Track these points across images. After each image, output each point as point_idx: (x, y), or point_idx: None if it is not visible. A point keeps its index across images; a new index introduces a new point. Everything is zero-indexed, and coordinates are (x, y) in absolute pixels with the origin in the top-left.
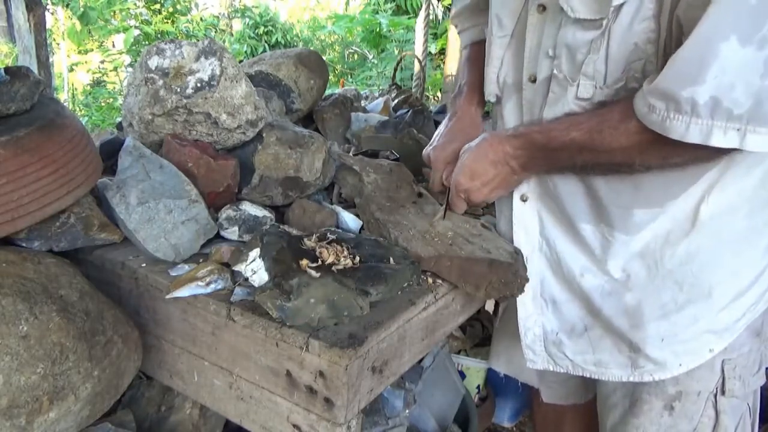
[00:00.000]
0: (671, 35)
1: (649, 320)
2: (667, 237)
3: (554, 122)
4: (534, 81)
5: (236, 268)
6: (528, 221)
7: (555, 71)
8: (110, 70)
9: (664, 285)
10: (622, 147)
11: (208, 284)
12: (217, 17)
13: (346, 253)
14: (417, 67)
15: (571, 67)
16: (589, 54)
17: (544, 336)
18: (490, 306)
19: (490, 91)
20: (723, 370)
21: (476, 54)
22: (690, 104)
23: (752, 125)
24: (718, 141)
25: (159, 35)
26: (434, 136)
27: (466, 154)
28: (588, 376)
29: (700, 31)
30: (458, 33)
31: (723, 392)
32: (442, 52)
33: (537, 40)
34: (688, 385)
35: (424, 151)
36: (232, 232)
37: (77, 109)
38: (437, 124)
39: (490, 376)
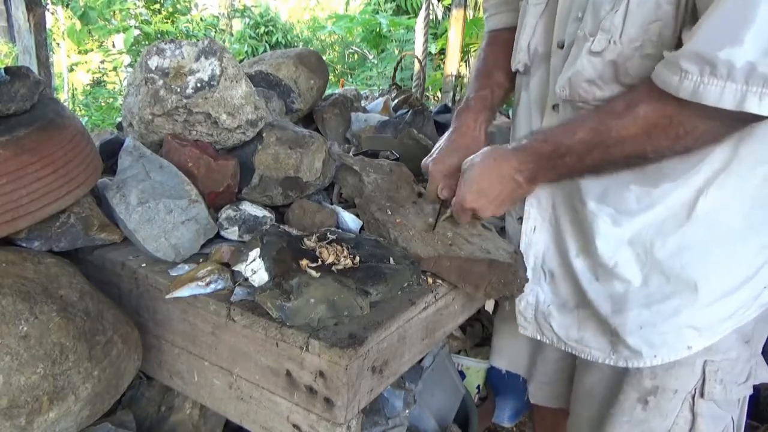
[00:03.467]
0: None
1: (632, 307)
2: (660, 227)
3: (557, 129)
4: (561, 47)
5: (236, 268)
6: (542, 193)
7: (579, 32)
8: (110, 70)
9: (651, 274)
10: (630, 135)
11: (208, 284)
12: (217, 17)
13: (346, 253)
14: (417, 67)
15: (593, 25)
16: (611, 10)
17: (536, 305)
18: (490, 306)
19: (519, 59)
20: (704, 371)
21: (494, 63)
22: (727, 67)
23: None
24: (752, 107)
25: (159, 35)
26: (435, 146)
27: (470, 170)
28: (569, 351)
29: None
30: (487, 17)
31: (702, 394)
32: (442, 52)
33: (568, 4)
34: (666, 381)
35: (423, 161)
36: (232, 232)
37: (77, 109)
38: (437, 124)
39: (490, 376)
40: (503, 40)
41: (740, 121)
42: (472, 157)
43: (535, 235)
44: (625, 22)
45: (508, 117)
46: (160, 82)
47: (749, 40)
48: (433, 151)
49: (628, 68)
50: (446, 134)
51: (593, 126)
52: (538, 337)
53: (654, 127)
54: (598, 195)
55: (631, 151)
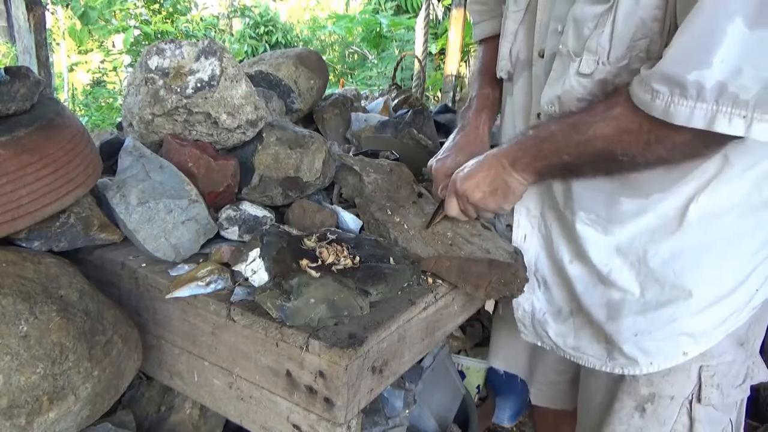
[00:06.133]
0: (673, 14)
1: (627, 314)
2: (652, 235)
3: (540, 124)
4: (542, 56)
5: (236, 268)
6: (530, 201)
7: (560, 47)
8: (110, 70)
9: (646, 283)
10: (602, 134)
11: (208, 284)
12: (217, 17)
13: (346, 253)
14: (417, 67)
15: (576, 43)
16: (595, 29)
17: (532, 313)
18: (490, 306)
19: (502, 66)
20: (700, 377)
21: (490, 61)
22: (696, 88)
23: (759, 112)
24: (722, 127)
25: (159, 35)
26: (442, 148)
27: (464, 165)
28: (568, 357)
29: (702, 12)
30: (474, 25)
31: (699, 400)
32: (442, 52)
33: (547, 15)
34: (662, 387)
35: (429, 162)
36: (232, 232)
37: (77, 109)
38: (437, 124)
39: (490, 376)
40: (495, 43)
41: (714, 140)
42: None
43: (525, 243)
44: (612, 42)
45: None
46: (160, 82)
47: (717, 62)
48: (439, 152)
49: (617, 84)
50: (452, 134)
51: (572, 121)
52: (539, 344)
53: (624, 131)
54: (587, 206)
55: (601, 149)
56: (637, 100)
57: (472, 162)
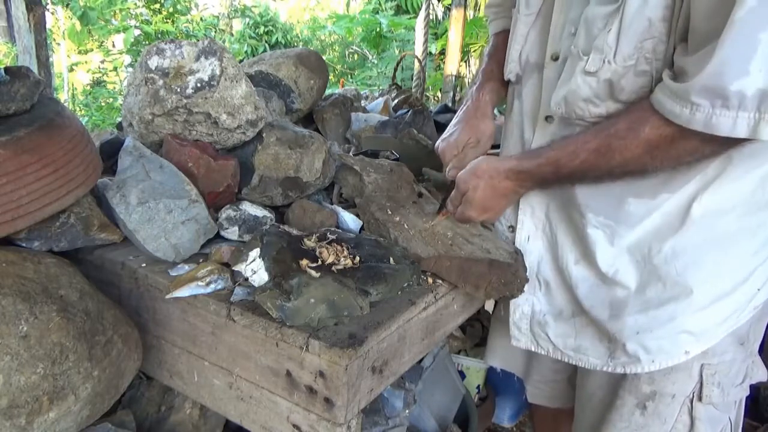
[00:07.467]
0: (684, 16)
1: (630, 313)
2: (657, 233)
3: (559, 149)
4: (556, 59)
5: (236, 268)
6: (535, 201)
7: (572, 48)
8: (110, 70)
9: (649, 281)
10: (633, 156)
11: (208, 284)
12: (217, 17)
13: (346, 253)
14: (417, 67)
15: (586, 43)
16: (604, 28)
17: (531, 315)
18: (490, 306)
19: (511, 69)
20: (701, 375)
21: (501, 43)
22: (738, 98)
23: None
24: (765, 134)
25: (159, 35)
26: (448, 126)
27: (470, 192)
28: (566, 360)
29: (737, 24)
30: (489, 23)
31: (700, 398)
32: (443, 52)
33: (563, 18)
34: (663, 386)
35: (436, 143)
36: (232, 232)
37: (77, 109)
38: (437, 124)
39: (490, 376)
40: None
41: (733, 144)
42: (468, 171)
43: (528, 244)
44: (618, 41)
45: None
46: (160, 82)
47: (755, 70)
48: (445, 131)
49: (623, 85)
50: (458, 112)
51: (596, 147)
52: (533, 349)
53: (656, 148)
54: (596, 209)
55: (633, 168)
56: (670, 113)
57: (479, 195)
